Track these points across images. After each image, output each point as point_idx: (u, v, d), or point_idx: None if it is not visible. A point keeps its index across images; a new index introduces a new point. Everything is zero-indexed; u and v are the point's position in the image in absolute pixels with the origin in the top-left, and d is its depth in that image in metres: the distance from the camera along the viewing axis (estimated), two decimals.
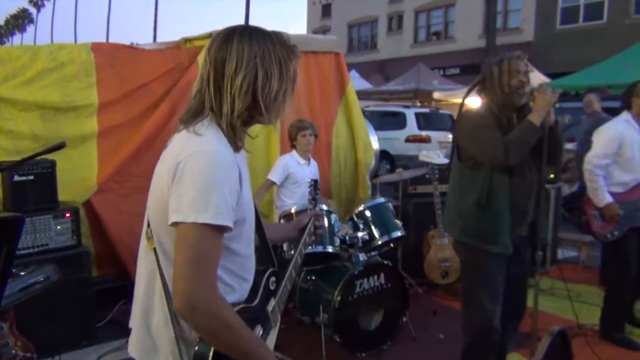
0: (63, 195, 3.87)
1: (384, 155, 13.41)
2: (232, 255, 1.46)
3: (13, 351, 3.07)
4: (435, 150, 5.91)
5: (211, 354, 1.35)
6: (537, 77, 14.56)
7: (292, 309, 3.98)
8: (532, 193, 2.89)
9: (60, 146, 2.10)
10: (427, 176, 4.90)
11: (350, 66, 23.35)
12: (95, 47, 4.37)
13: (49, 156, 3.76)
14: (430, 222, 4.92)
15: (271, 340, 1.63)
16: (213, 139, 1.39)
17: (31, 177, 3.58)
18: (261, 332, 1.54)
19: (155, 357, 1.46)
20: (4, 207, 3.59)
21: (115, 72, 4.33)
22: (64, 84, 4.11)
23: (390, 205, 4.05)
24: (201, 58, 4.64)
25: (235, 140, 1.45)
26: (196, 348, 1.36)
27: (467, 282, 2.99)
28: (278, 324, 1.66)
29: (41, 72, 4.03)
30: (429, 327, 4.16)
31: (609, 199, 3.83)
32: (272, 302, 1.61)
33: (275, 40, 1.46)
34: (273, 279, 1.62)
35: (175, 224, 1.32)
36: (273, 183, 4.36)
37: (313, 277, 3.83)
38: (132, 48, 5.00)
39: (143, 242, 1.53)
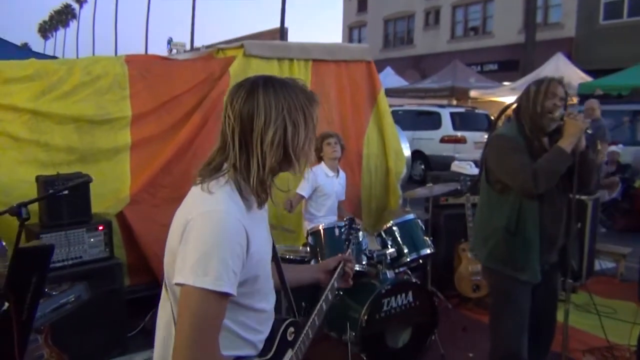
0: (96, 207, 3.95)
1: (418, 155, 13.31)
2: (246, 311, 1.46)
3: None
4: (468, 161, 5.79)
5: None
6: (577, 75, 14.18)
7: (320, 323, 3.98)
8: (562, 218, 2.82)
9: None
10: (459, 188, 4.83)
11: (386, 62, 23.43)
12: (129, 60, 4.44)
13: (84, 171, 3.92)
14: (461, 234, 4.84)
15: None
16: (224, 199, 1.38)
17: (66, 192, 3.65)
18: None
19: None
20: (40, 220, 3.69)
21: (148, 84, 4.40)
22: (98, 97, 4.19)
23: (419, 221, 4.00)
24: (233, 68, 4.68)
25: (264, 196, 1.45)
26: None
27: (495, 308, 2.93)
28: None
29: (77, 85, 4.12)
30: (458, 344, 4.11)
31: None
32: (289, 354, 1.60)
33: (297, 90, 1.45)
34: (291, 329, 1.61)
35: (178, 285, 1.33)
36: (302, 197, 4.37)
37: (341, 293, 3.82)
38: (164, 59, 5.06)
39: (163, 290, 1.54)
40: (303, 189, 4.37)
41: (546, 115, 2.70)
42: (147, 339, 3.91)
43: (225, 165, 1.44)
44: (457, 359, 3.91)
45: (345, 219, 2.28)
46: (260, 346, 1.53)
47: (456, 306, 4.80)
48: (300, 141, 1.43)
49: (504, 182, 2.75)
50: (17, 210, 2.05)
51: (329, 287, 1.81)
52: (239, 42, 4.88)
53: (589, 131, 2.72)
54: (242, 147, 1.40)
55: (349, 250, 2.08)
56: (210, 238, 1.31)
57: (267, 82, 1.44)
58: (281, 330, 1.58)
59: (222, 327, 1.38)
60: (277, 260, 1.68)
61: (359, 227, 3.78)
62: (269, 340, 1.55)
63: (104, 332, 3.71)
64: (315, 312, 1.73)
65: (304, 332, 1.66)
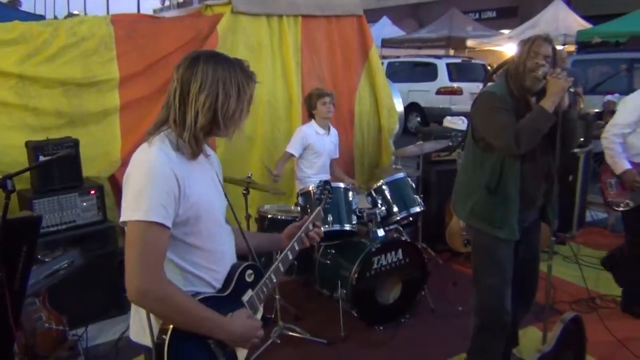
0: (88, 170, 3.97)
1: (414, 107, 13.25)
2: (195, 250, 1.66)
3: (47, 325, 3.25)
4: (461, 116, 5.76)
5: (171, 328, 1.55)
6: (576, 22, 13.95)
7: (312, 281, 4.08)
8: (543, 178, 2.84)
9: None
10: (450, 144, 4.84)
11: (382, 11, 22.94)
12: (115, 20, 4.35)
13: (73, 134, 3.92)
14: (452, 190, 4.86)
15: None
16: (155, 149, 1.58)
17: (52, 158, 3.66)
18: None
19: (144, 337, 1.64)
20: (32, 186, 3.71)
21: (135, 45, 4.32)
22: (85, 59, 4.13)
23: (409, 180, 4.03)
24: (221, 26, 4.60)
25: (196, 149, 1.64)
26: (161, 324, 1.58)
27: (477, 264, 2.98)
28: (259, 312, 1.84)
29: (62, 48, 4.05)
30: (448, 298, 4.21)
31: (627, 165, 3.76)
32: (250, 293, 1.79)
33: (237, 68, 1.66)
34: (250, 271, 1.79)
35: (123, 224, 1.56)
36: (291, 155, 4.38)
37: (332, 252, 3.89)
38: (152, 18, 4.98)
39: None
40: (292, 147, 4.37)
41: (529, 74, 2.68)
42: None
43: (169, 122, 1.65)
44: (446, 312, 4.01)
45: (319, 181, 2.35)
46: (218, 285, 1.73)
47: (447, 261, 4.89)
48: (230, 109, 1.63)
49: (488, 140, 2.76)
50: (3, 183, 2.06)
51: (293, 240, 1.99)
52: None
53: (572, 89, 2.70)
54: (180, 106, 1.62)
55: (316, 211, 2.14)
56: (141, 179, 1.54)
57: (210, 56, 1.65)
58: (239, 271, 1.76)
59: (176, 266, 1.63)
60: (238, 222, 1.94)
61: (348, 186, 3.81)
62: (227, 280, 1.75)
63: (100, 294, 3.79)
64: (280, 258, 1.91)
65: (267, 275, 1.85)
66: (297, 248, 1.98)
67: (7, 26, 3.96)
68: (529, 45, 2.71)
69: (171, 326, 1.55)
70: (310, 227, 2.03)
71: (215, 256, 1.72)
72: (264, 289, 1.84)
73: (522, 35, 13.34)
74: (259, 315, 1.83)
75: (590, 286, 4.29)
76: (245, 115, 1.71)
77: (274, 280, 1.88)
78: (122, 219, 1.54)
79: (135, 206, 1.52)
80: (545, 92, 2.68)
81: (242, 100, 1.67)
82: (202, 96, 1.59)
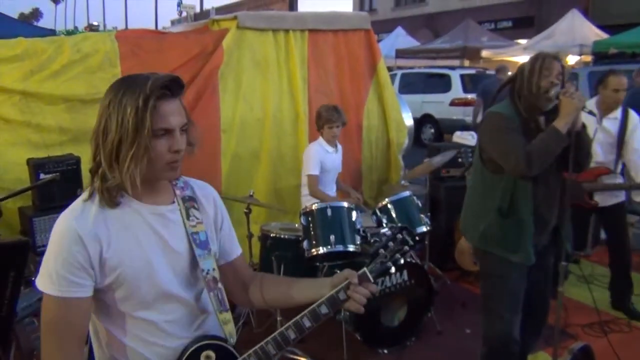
0: None
1: (428, 119, 13.13)
2: (132, 319, 1.44)
3: None
4: (470, 132, 5.66)
5: None
6: (593, 32, 13.76)
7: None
8: (555, 200, 2.74)
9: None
10: (459, 159, 4.73)
11: (397, 21, 22.96)
12: (119, 36, 4.34)
13: (76, 152, 3.90)
14: (462, 207, 4.75)
15: None
16: (75, 204, 1.41)
17: (57, 174, 3.64)
18: None
19: None
20: (33, 203, 3.69)
21: (139, 61, 4.30)
22: (89, 76, 4.12)
23: (415, 198, 3.94)
24: (227, 41, 4.57)
25: (105, 197, 1.39)
26: None
27: (487, 291, 2.88)
28: None
29: (66, 64, 4.05)
30: (455, 320, 4.09)
31: None
32: None
33: (140, 89, 1.32)
34: (208, 353, 1.49)
35: None
36: (316, 177, 4.30)
37: (336, 272, 3.79)
38: (157, 33, 4.97)
39: None
40: (313, 169, 4.29)
41: (542, 95, 2.58)
42: None
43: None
44: (454, 335, 3.89)
45: (395, 226, 1.78)
46: None
47: (456, 280, 4.76)
48: (108, 142, 1.34)
49: (497, 162, 2.67)
50: None
51: (313, 305, 1.57)
52: (233, 15, 4.74)
53: (586, 110, 2.61)
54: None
55: (365, 270, 1.61)
56: (49, 245, 1.38)
57: (120, 79, 1.42)
58: (189, 351, 1.48)
59: (117, 340, 1.43)
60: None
61: (352, 206, 3.71)
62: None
63: None
64: (284, 327, 1.57)
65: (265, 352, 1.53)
66: (322, 313, 1.55)
67: (11, 43, 3.97)
68: (539, 64, 2.61)
69: None
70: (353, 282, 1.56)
71: (152, 327, 1.45)
72: None
73: (538, 46, 13.23)
74: None
75: (604, 307, 4.16)
76: (140, 162, 1.33)
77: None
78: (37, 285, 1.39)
79: (40, 273, 1.37)
80: (553, 111, 2.59)
81: (125, 124, 1.31)
82: (95, 130, 1.37)
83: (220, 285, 1.56)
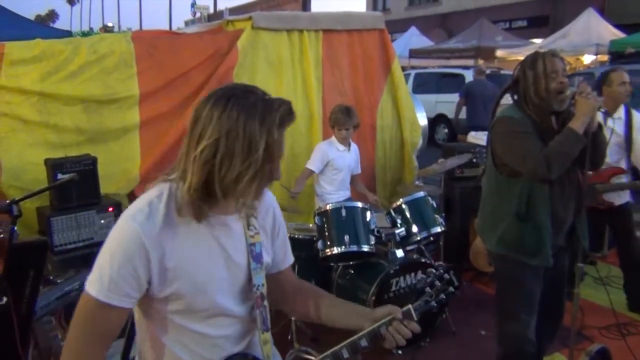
0: (107, 187, 3.97)
1: (442, 119, 13.06)
2: (185, 332, 1.41)
3: (62, 343, 3.24)
4: (485, 131, 5.62)
5: None
6: (609, 31, 13.62)
7: None
8: (571, 200, 2.71)
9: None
10: (474, 160, 4.72)
11: (410, 21, 22.89)
12: (135, 37, 4.37)
13: (92, 152, 3.94)
14: (477, 207, 4.72)
15: None
16: (139, 206, 1.33)
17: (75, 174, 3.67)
18: None
19: None
20: (50, 203, 3.73)
21: (155, 61, 4.33)
22: (105, 76, 4.15)
23: (429, 199, 3.92)
24: (241, 42, 4.58)
25: (196, 212, 1.32)
26: None
27: (503, 292, 2.87)
28: None
29: (83, 65, 4.08)
30: (470, 321, 4.07)
31: None
32: None
33: (257, 114, 1.27)
34: None
35: None
36: (312, 172, 4.32)
37: (350, 273, 3.80)
38: (172, 34, 4.99)
39: None
40: (313, 164, 4.32)
41: (556, 97, 2.55)
42: None
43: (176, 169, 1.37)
44: (468, 336, 3.88)
45: (439, 268, 1.65)
46: None
47: (471, 281, 4.74)
48: (231, 172, 1.25)
49: (512, 166, 2.64)
50: (8, 209, 2.04)
51: (356, 335, 1.52)
52: (248, 15, 4.76)
53: (602, 109, 2.58)
54: (185, 152, 1.32)
55: (410, 307, 1.52)
56: (107, 246, 1.32)
57: (225, 94, 1.30)
58: None
59: (166, 347, 1.40)
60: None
61: (367, 206, 3.71)
62: None
63: None
64: (323, 355, 1.53)
65: None
66: (362, 345, 1.50)
67: (29, 44, 4.01)
68: (542, 68, 2.57)
69: None
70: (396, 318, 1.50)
71: (208, 342, 1.43)
72: None
73: (553, 45, 13.12)
74: None
75: (622, 309, 4.12)
76: (261, 184, 1.32)
77: None
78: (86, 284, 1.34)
79: (92, 276, 1.32)
80: (566, 110, 2.57)
81: (253, 161, 1.26)
82: (200, 147, 1.26)
83: (265, 302, 1.52)
